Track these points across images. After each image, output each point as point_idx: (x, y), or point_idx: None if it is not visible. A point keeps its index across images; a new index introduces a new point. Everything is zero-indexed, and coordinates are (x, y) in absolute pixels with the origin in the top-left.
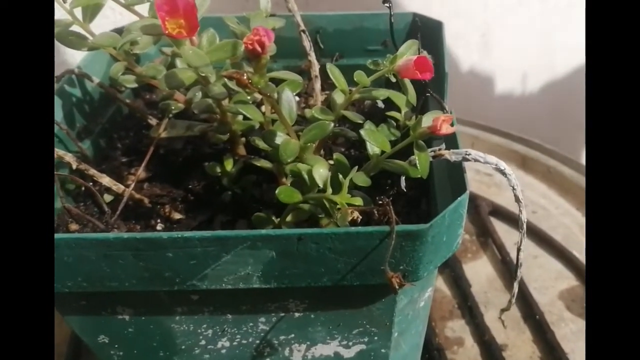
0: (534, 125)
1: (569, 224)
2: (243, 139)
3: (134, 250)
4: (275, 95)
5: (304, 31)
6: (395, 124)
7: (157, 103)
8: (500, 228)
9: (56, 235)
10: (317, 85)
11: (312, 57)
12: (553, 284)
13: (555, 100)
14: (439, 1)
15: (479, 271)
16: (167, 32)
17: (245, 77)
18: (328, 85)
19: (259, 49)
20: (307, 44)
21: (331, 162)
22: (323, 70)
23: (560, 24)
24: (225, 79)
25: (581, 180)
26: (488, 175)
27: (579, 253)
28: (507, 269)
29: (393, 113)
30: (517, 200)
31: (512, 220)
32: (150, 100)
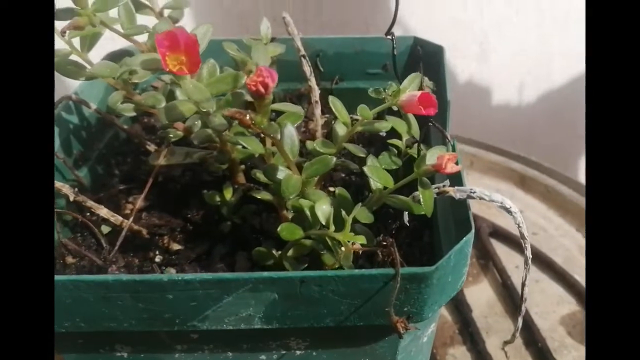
0: (532, 133)
1: (569, 246)
2: (242, 167)
3: (133, 292)
4: (279, 136)
5: (304, 56)
6: (396, 152)
7: (155, 127)
8: (501, 250)
9: (55, 277)
10: (317, 110)
11: (313, 82)
12: (554, 308)
13: (553, 108)
14: (437, 11)
15: (480, 295)
16: (168, 68)
17: (248, 118)
18: (328, 109)
19: (262, 90)
20: (307, 69)
21: (332, 188)
22: (323, 94)
23: (557, 32)
24: None
25: (581, 200)
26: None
27: (580, 276)
28: (508, 293)
29: (394, 141)
30: (523, 237)
31: (512, 241)
32: (148, 124)
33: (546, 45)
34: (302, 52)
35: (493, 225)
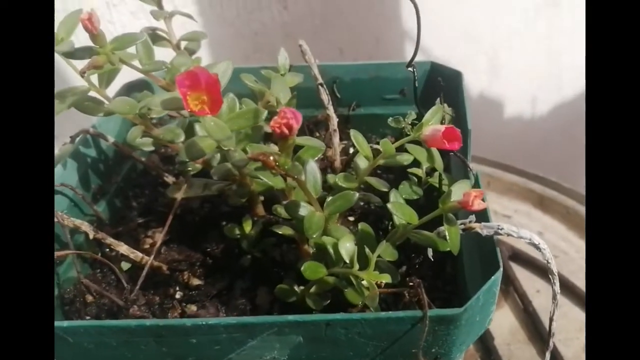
0: (543, 148)
1: None
2: (261, 198)
3: (157, 336)
4: (303, 177)
5: (321, 84)
6: (416, 180)
7: (172, 157)
8: (521, 274)
9: (78, 323)
10: (336, 139)
11: (331, 110)
12: (577, 335)
13: (564, 122)
14: (447, 26)
15: (502, 322)
16: (189, 109)
17: (272, 160)
18: (345, 134)
19: (286, 132)
20: (325, 97)
21: (351, 218)
22: (340, 121)
23: (567, 46)
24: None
25: None
26: (506, 217)
27: None
28: (531, 319)
29: (415, 170)
30: (551, 273)
31: (532, 265)
32: (166, 155)
33: (556, 60)
34: (320, 80)
35: (512, 248)
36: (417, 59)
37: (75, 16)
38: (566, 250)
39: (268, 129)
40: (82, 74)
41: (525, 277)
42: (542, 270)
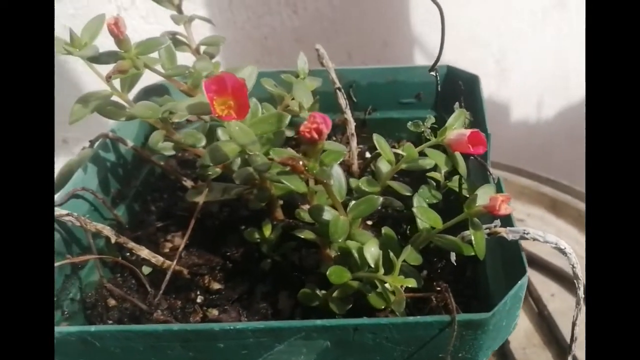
0: (550, 151)
1: None
2: (280, 202)
3: (184, 341)
4: (332, 181)
5: (339, 89)
6: (435, 184)
7: (190, 161)
8: (536, 279)
9: (104, 327)
10: (354, 143)
11: (349, 114)
12: None
13: (571, 125)
14: (454, 29)
15: (517, 325)
16: (216, 114)
17: (301, 164)
18: (362, 139)
19: (316, 136)
20: (342, 101)
21: (369, 222)
22: (356, 125)
23: (574, 50)
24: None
25: None
26: (520, 221)
27: None
28: (546, 323)
29: (434, 174)
30: (576, 277)
31: (547, 269)
32: (184, 159)
33: (563, 63)
34: (338, 85)
35: (526, 252)
36: (425, 62)
37: (98, 21)
38: (580, 253)
39: (287, 133)
40: (107, 78)
41: (539, 281)
42: (556, 275)
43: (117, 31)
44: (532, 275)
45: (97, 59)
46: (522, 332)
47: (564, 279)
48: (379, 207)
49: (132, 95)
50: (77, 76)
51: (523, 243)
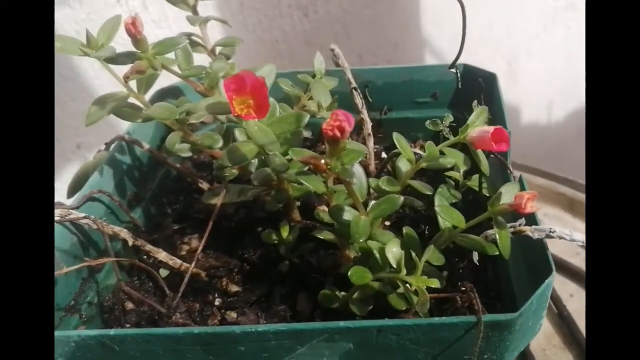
0: (561, 151)
1: None
2: (297, 202)
3: (204, 344)
4: (354, 180)
5: (355, 88)
6: (453, 184)
7: (205, 163)
8: (555, 280)
9: (124, 331)
10: (370, 143)
11: (365, 114)
12: None
13: (582, 124)
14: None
15: None
16: (236, 113)
17: (323, 163)
18: (377, 139)
19: (339, 134)
20: (359, 101)
21: (387, 222)
22: (372, 125)
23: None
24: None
25: None
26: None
27: None
28: (565, 324)
29: (452, 173)
30: None
31: (566, 269)
32: (199, 161)
33: (574, 63)
34: (354, 84)
35: None
36: (439, 63)
37: (115, 22)
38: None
39: (304, 133)
40: (125, 79)
41: (558, 282)
42: (575, 275)
43: (134, 31)
44: None
45: (114, 59)
46: (542, 333)
47: (583, 280)
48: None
49: (147, 97)
50: (88, 80)
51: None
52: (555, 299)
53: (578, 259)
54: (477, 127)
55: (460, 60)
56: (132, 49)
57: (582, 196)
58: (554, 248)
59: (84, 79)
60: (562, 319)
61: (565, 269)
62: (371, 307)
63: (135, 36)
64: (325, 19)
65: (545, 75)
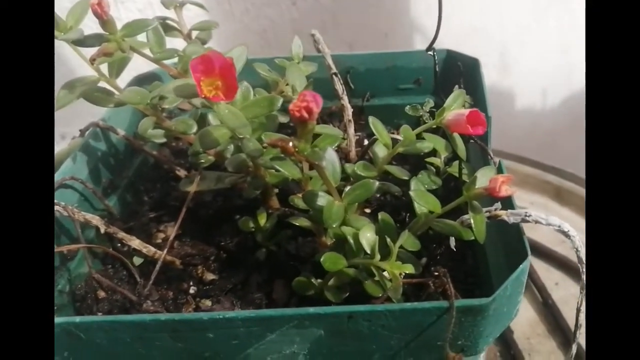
0: (554, 142)
1: None
2: (276, 190)
3: (172, 331)
4: (323, 163)
5: (335, 74)
6: (434, 170)
7: (184, 150)
8: (539, 266)
9: (90, 318)
10: (351, 129)
11: (345, 100)
12: None
13: (575, 116)
14: (456, 21)
15: (520, 315)
16: (203, 95)
17: (291, 145)
18: (359, 126)
19: (306, 115)
20: (339, 87)
21: (368, 210)
22: (354, 112)
23: (577, 41)
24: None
25: None
26: (523, 208)
27: None
28: (550, 312)
29: (433, 159)
30: (580, 262)
31: (550, 257)
32: (177, 148)
33: (566, 54)
34: (334, 69)
35: (529, 240)
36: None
37: (84, 3)
38: (585, 241)
39: (282, 119)
40: (92, 61)
41: (543, 270)
42: (560, 263)
43: (100, 11)
44: (536, 264)
45: (82, 42)
46: (526, 321)
47: (568, 268)
48: (378, 194)
49: (124, 83)
50: (75, 69)
51: (527, 231)
52: (540, 287)
53: (564, 247)
54: (454, 110)
55: (447, 46)
56: None
57: (569, 185)
58: (539, 236)
59: (69, 68)
60: (546, 307)
61: (551, 257)
62: (347, 294)
63: (102, 17)
64: (314, 8)
65: (537, 66)
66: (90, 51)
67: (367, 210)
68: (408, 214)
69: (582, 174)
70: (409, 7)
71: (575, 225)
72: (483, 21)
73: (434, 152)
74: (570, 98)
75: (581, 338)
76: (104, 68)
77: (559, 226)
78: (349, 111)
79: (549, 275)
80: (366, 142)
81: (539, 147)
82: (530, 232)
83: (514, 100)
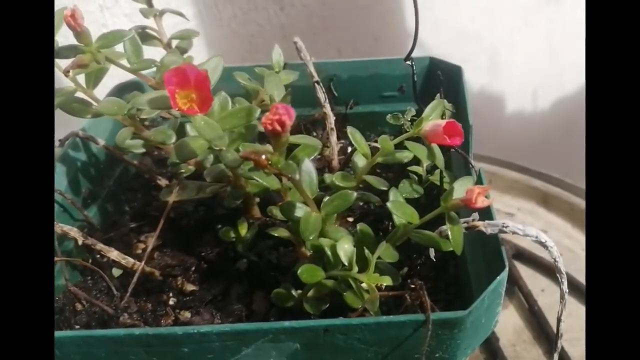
0: (545, 145)
1: None
2: (257, 199)
3: (147, 346)
4: (297, 176)
5: (318, 82)
6: (416, 179)
7: (166, 160)
8: (525, 273)
9: (63, 333)
10: (333, 137)
11: (328, 108)
12: (584, 334)
13: (566, 119)
14: (446, 24)
15: (506, 322)
16: (177, 107)
17: (264, 158)
18: (343, 134)
19: (279, 128)
20: (321, 95)
21: (350, 218)
22: (338, 119)
23: (567, 43)
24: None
25: None
26: (509, 215)
27: None
28: (536, 319)
29: (414, 168)
30: (559, 272)
31: (536, 263)
32: (159, 157)
33: (557, 58)
34: (316, 78)
35: (516, 247)
36: (416, 55)
37: (59, 14)
38: (571, 247)
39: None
40: (66, 73)
41: (529, 276)
42: (546, 269)
43: (74, 23)
44: (522, 270)
45: (57, 53)
46: (512, 328)
47: (554, 274)
48: (360, 204)
49: (104, 92)
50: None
51: (513, 237)
52: (526, 294)
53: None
54: (432, 120)
55: (441, 55)
56: None
57: (555, 190)
58: (525, 242)
59: (57, 77)
60: (532, 314)
61: (537, 264)
62: (327, 305)
63: (76, 29)
64: (302, 13)
65: (527, 70)
66: (67, 62)
67: (350, 220)
68: (391, 222)
69: (570, 177)
70: (399, 11)
71: (562, 231)
72: (473, 25)
73: (417, 160)
74: (561, 101)
75: (568, 345)
76: (81, 79)
77: (536, 237)
78: (331, 119)
79: (535, 282)
80: (350, 149)
81: (529, 149)
82: (517, 238)
83: (503, 102)
